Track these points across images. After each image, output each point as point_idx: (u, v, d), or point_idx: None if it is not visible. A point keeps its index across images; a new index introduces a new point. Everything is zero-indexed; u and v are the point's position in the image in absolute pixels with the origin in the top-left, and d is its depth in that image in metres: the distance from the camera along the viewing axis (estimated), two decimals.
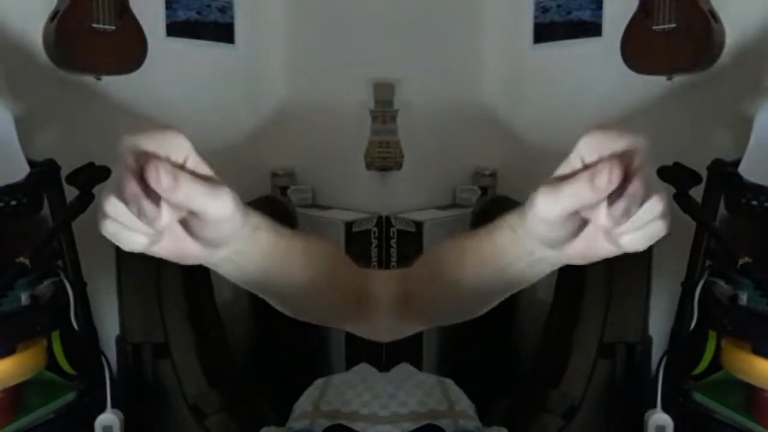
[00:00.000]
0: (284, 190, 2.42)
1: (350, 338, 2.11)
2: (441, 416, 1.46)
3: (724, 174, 1.86)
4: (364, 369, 1.60)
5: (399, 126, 2.22)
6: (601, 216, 0.45)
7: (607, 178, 0.44)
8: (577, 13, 2.33)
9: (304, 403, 1.52)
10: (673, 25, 2.04)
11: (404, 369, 1.62)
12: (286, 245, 0.63)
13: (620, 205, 0.44)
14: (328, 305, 0.74)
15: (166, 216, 0.46)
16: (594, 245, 0.49)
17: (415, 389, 1.52)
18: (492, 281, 0.62)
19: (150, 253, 0.51)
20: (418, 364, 1.79)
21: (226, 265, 0.58)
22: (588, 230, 0.48)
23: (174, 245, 0.51)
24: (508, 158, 2.43)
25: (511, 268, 0.59)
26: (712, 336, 1.84)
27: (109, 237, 0.48)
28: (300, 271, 0.65)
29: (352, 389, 1.51)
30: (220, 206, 0.48)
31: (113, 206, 0.47)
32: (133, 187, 0.44)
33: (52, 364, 1.85)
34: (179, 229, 0.50)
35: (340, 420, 1.41)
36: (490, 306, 0.70)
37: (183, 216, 0.49)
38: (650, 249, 1.90)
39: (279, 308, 0.71)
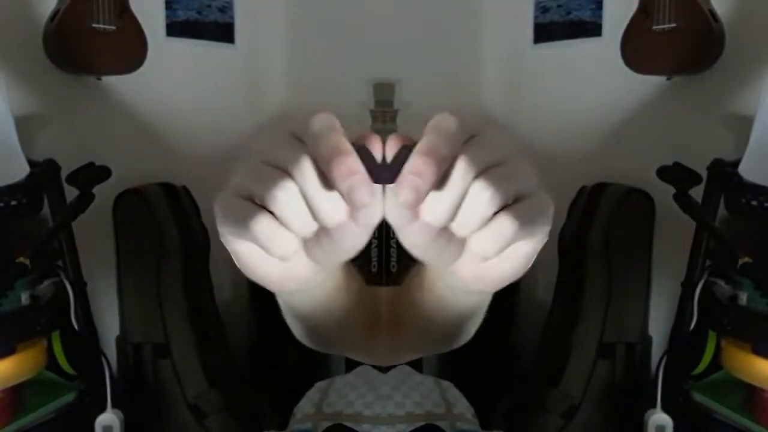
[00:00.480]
0: None
1: None
2: (438, 419, 1.46)
3: (724, 174, 1.86)
4: (365, 371, 1.60)
5: (399, 126, 2.22)
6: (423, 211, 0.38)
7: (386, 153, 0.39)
8: (577, 13, 2.33)
9: (305, 406, 1.52)
10: (673, 25, 2.04)
11: (402, 370, 1.62)
12: (347, 270, 0.57)
13: (400, 188, 0.36)
14: (354, 333, 0.68)
15: (344, 210, 0.38)
16: (481, 265, 0.42)
17: (412, 391, 1.52)
18: (439, 314, 0.56)
19: (259, 272, 0.43)
20: (418, 364, 1.79)
21: (302, 295, 0.50)
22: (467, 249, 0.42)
23: (286, 263, 0.43)
24: None
25: (445, 299, 0.53)
26: (712, 336, 1.84)
27: (254, 238, 0.39)
28: (345, 300, 0.58)
29: (355, 391, 1.51)
30: (380, 208, 0.39)
31: (285, 192, 0.38)
32: (353, 163, 0.37)
33: (52, 364, 1.85)
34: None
35: (343, 422, 1.41)
36: (461, 336, 0.64)
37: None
38: (650, 249, 1.91)
39: (304, 338, 0.64)
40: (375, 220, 0.39)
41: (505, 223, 0.39)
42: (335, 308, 0.57)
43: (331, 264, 0.43)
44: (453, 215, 0.38)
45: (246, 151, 0.41)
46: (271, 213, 0.39)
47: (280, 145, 0.40)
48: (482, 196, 0.38)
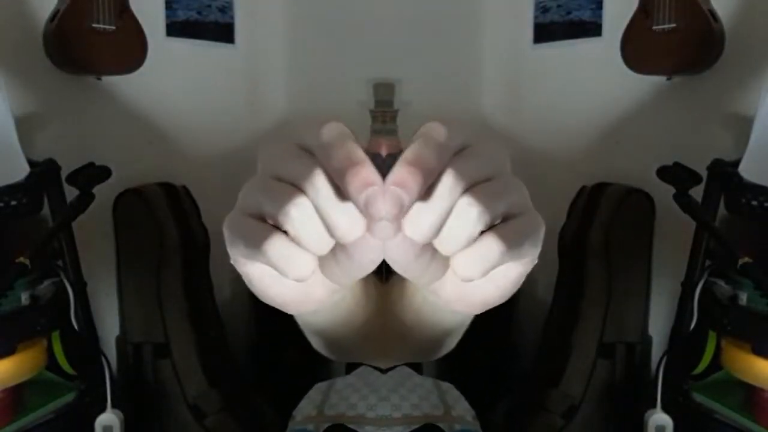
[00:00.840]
0: None
1: None
2: (436, 421, 1.45)
3: (724, 174, 1.86)
4: (365, 372, 1.59)
5: (399, 126, 2.22)
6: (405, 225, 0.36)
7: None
8: (577, 13, 2.33)
9: (306, 408, 1.51)
10: (673, 25, 2.04)
11: (402, 372, 1.61)
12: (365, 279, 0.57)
13: (385, 198, 0.34)
14: (375, 340, 0.65)
15: (361, 224, 0.36)
16: (465, 287, 0.40)
17: (410, 393, 1.52)
18: (416, 327, 0.55)
19: (273, 292, 0.41)
20: (418, 365, 1.79)
21: (320, 315, 0.49)
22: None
23: (302, 285, 0.41)
24: None
25: (422, 314, 0.52)
26: (712, 336, 1.84)
27: (268, 260, 0.37)
28: (365, 311, 0.56)
29: (357, 393, 1.51)
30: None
31: (299, 209, 0.36)
32: (368, 173, 0.34)
33: (52, 364, 1.85)
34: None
35: (345, 424, 1.41)
36: (439, 350, 0.62)
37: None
38: (650, 249, 1.90)
39: (325, 351, 0.62)
40: (392, 232, 0.36)
41: (491, 245, 0.36)
42: (356, 321, 0.55)
43: (349, 281, 0.41)
44: (437, 231, 0.36)
45: (251, 169, 0.39)
46: (284, 232, 0.37)
47: (289, 159, 0.37)
48: (469, 214, 0.36)
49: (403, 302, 0.54)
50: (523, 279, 0.41)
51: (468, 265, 0.37)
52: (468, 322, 0.54)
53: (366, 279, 0.57)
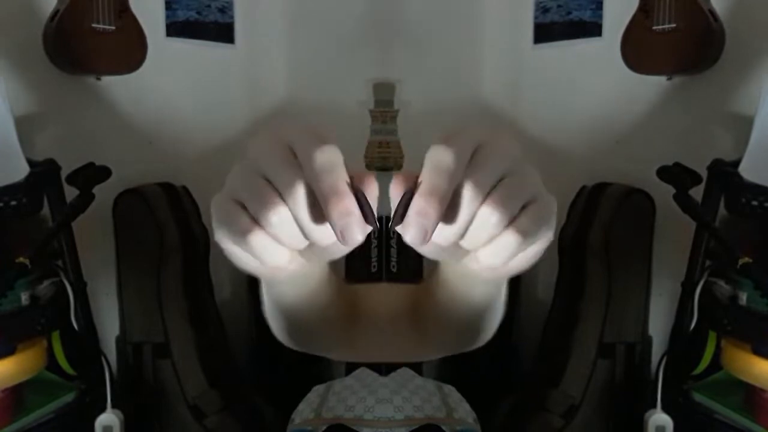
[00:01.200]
0: None
1: None
2: (438, 423, 1.45)
3: (724, 174, 1.86)
4: (364, 374, 1.59)
5: (399, 126, 2.22)
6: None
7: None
8: (577, 13, 2.33)
9: (304, 411, 1.51)
10: (673, 25, 2.04)
11: (403, 374, 1.61)
12: (328, 266, 0.60)
13: (408, 227, 0.39)
14: (335, 327, 0.70)
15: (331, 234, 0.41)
16: None
17: (412, 395, 1.52)
18: (454, 306, 0.59)
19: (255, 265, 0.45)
20: (419, 367, 1.79)
21: (288, 287, 0.54)
22: None
23: None
24: None
25: (457, 290, 0.56)
26: (712, 336, 1.84)
27: (251, 250, 0.42)
28: (326, 294, 0.60)
29: (354, 395, 1.51)
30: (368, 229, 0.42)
31: (278, 217, 0.40)
32: (349, 204, 0.39)
33: (52, 364, 1.85)
34: None
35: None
36: (479, 332, 0.65)
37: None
38: (650, 249, 1.90)
39: (286, 334, 0.66)
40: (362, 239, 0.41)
41: (510, 239, 0.40)
42: (317, 301, 0.60)
43: (320, 260, 0.47)
44: (462, 236, 0.40)
45: (243, 152, 0.43)
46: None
47: (277, 161, 0.41)
48: (490, 220, 0.40)
49: (438, 286, 0.58)
50: (542, 253, 0.45)
51: (490, 257, 0.41)
52: (500, 297, 0.58)
53: (331, 269, 0.60)
